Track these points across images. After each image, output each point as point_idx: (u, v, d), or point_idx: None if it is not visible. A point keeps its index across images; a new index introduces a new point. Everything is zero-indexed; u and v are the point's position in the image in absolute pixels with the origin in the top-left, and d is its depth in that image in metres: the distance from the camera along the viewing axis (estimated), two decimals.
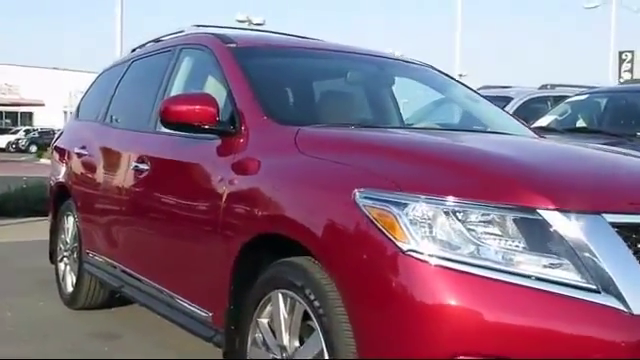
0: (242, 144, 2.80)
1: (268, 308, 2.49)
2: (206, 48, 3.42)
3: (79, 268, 4.42)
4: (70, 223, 4.66)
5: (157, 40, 4.48)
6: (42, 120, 49.83)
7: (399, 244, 1.98)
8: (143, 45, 4.64)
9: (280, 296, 2.40)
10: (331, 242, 2.17)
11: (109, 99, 4.47)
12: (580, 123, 7.35)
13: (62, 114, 53.33)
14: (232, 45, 3.32)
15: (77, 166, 4.48)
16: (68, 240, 4.67)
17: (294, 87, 3.36)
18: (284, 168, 2.52)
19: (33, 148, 37.25)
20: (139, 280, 3.49)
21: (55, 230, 4.96)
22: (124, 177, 3.66)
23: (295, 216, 2.33)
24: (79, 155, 4.44)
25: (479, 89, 7.08)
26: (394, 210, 2.01)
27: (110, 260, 3.86)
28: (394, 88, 3.67)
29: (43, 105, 41.96)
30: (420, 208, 2.01)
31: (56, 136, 5.36)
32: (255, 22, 31.39)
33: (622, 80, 25.60)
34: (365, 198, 2.09)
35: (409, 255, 1.96)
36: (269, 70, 3.30)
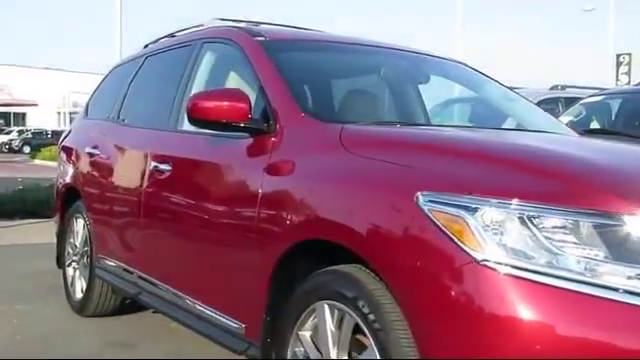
0: (277, 143, 2.61)
1: (311, 320, 2.30)
2: (232, 42, 3.23)
3: (90, 273, 4.22)
4: (79, 226, 4.45)
5: (172, 35, 4.28)
6: (35, 121, 49.42)
7: (471, 252, 1.79)
8: (157, 40, 4.44)
9: (326, 308, 2.21)
10: (390, 249, 1.98)
11: (122, 97, 4.27)
12: (594, 125, 7.23)
13: (56, 115, 53.02)
14: (261, 38, 3.14)
15: (88, 167, 4.27)
16: (77, 244, 4.47)
17: (329, 82, 3.18)
18: (329, 169, 2.33)
19: (26, 149, 36.93)
20: (159, 287, 3.29)
21: (62, 233, 4.75)
22: (142, 178, 3.46)
23: (346, 221, 2.14)
24: (90, 155, 4.23)
25: None
26: (465, 215, 1.83)
27: (126, 265, 3.66)
28: (429, 85, 3.49)
29: (36, 105, 41.55)
30: (493, 213, 1.82)
31: (63, 136, 5.15)
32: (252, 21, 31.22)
33: (620, 83, 25.57)
34: (430, 202, 1.90)
35: (482, 264, 1.77)
36: (302, 65, 3.11)
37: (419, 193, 1.93)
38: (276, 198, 2.48)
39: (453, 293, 1.81)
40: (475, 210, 1.83)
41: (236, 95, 2.74)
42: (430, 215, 1.88)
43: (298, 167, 2.46)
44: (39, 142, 36.38)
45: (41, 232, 8.26)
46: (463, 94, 3.64)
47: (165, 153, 3.33)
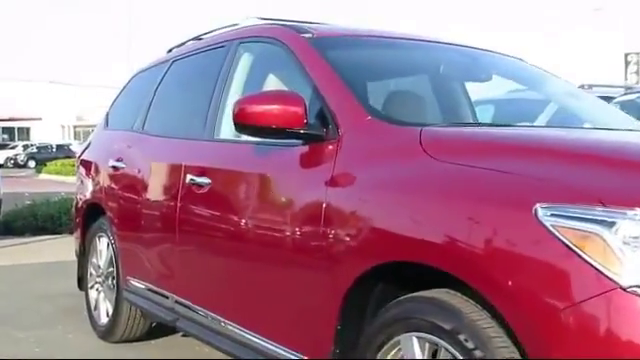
0: (339, 151, 2.29)
1: (393, 354, 1.98)
2: (275, 40, 2.93)
3: (117, 296, 3.90)
4: (103, 245, 4.14)
5: (198, 38, 3.98)
6: (39, 135, 49.21)
7: (614, 277, 1.48)
8: (182, 44, 4.14)
9: (415, 341, 1.89)
10: (504, 274, 1.65)
11: (147, 105, 3.96)
12: None
13: (60, 129, 52.79)
14: (309, 36, 2.83)
15: (112, 181, 3.96)
16: (101, 264, 4.15)
17: (390, 81, 2.87)
18: (413, 179, 2.00)
19: (32, 163, 36.62)
20: (200, 313, 2.97)
21: (84, 253, 4.44)
22: (176, 193, 3.15)
23: (441, 240, 1.82)
24: (115, 168, 3.92)
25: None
26: (601, 231, 1.51)
27: (160, 289, 3.34)
28: (491, 83, 3.17)
29: (40, 120, 41.31)
30: (632, 227, 1.51)
31: (81, 148, 4.83)
32: None
33: (628, 82, 25.25)
34: (553, 216, 1.58)
35: (631, 292, 1.45)
36: (357, 62, 2.79)
37: (538, 205, 1.61)
38: (345, 214, 2.16)
39: (593, 327, 1.49)
40: (612, 224, 1.51)
41: (290, 98, 2.43)
42: (555, 232, 1.57)
43: (370, 178, 2.14)
44: (44, 156, 36.13)
45: (54, 249, 7.98)
46: (527, 92, 3.31)
47: (203, 165, 3.02)
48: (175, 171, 3.25)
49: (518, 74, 3.29)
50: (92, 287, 4.28)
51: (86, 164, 4.53)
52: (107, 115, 4.63)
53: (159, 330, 4.04)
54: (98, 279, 4.19)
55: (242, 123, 2.47)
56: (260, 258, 2.57)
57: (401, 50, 3.02)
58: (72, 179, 24.02)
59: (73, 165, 29.31)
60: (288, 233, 2.40)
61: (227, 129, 3.13)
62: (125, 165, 3.81)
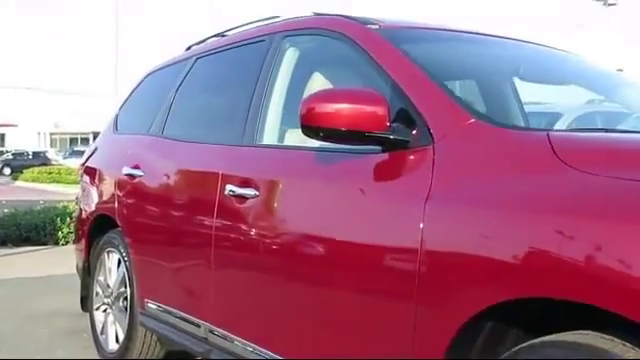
0: (437, 160, 1.91)
1: None
2: (334, 33, 2.55)
3: (130, 320, 3.47)
4: (113, 262, 3.71)
5: (221, 35, 3.60)
6: (15, 142, 48.21)
7: None
8: (203, 41, 3.75)
9: None
10: None
11: (166, 106, 3.55)
12: None
13: (36, 135, 51.80)
14: (375, 27, 2.46)
15: (128, 191, 3.52)
16: (111, 284, 3.72)
17: (475, 81, 2.50)
18: (553, 194, 1.61)
19: (7, 170, 35.72)
20: (241, 346, 2.56)
21: (88, 270, 4.00)
22: (212, 205, 2.74)
23: (602, 270, 1.44)
24: (130, 177, 3.49)
25: None
26: None
27: (189, 315, 2.92)
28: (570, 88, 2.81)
29: (16, 126, 40.47)
30: None
31: (86, 155, 4.38)
32: None
33: None
34: None
35: None
36: (438, 58, 2.41)
37: None
38: (453, 239, 1.77)
39: None
40: None
41: (369, 96, 2.06)
42: None
43: (487, 193, 1.75)
44: (20, 163, 35.26)
45: (41, 262, 7.49)
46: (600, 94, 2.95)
47: (246, 174, 2.62)
48: (209, 181, 2.84)
49: (598, 81, 2.93)
50: (98, 308, 3.85)
51: (92, 172, 4.10)
52: (116, 118, 4.20)
53: (175, 358, 3.63)
54: (106, 300, 3.75)
55: (310, 125, 2.09)
56: (328, 287, 2.17)
57: (478, 46, 2.66)
58: (49, 187, 23.48)
59: (50, 172, 28.80)
60: (372, 258, 2.00)
61: (271, 133, 2.75)
62: (144, 173, 3.39)
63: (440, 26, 2.74)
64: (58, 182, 26.65)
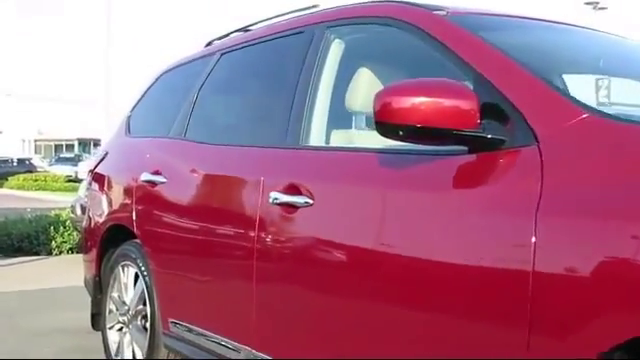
0: (545, 162, 1.63)
1: None
2: (394, 21, 2.27)
3: (151, 341, 3.16)
4: (130, 277, 3.39)
5: (245, 29, 3.31)
6: None
7: None
8: (225, 36, 3.45)
9: None
10: None
11: (188, 107, 3.24)
12: None
13: (20, 142, 51.09)
14: (444, 13, 2.18)
15: (148, 199, 3.21)
16: (127, 300, 3.40)
17: (565, 72, 2.22)
18: None
19: None
20: None
21: (99, 285, 3.68)
22: (254, 215, 2.44)
23: None
24: (151, 184, 3.18)
25: None
26: None
27: (225, 339, 2.61)
28: None
29: (0, 133, 39.87)
30: None
31: (95, 160, 4.06)
32: None
33: None
34: None
35: None
36: (522, 47, 2.13)
37: None
38: (581, 257, 1.49)
39: None
40: None
41: (457, 89, 1.78)
42: None
43: (616, 200, 1.47)
44: (4, 170, 34.56)
45: (36, 274, 7.14)
46: None
47: (295, 180, 2.32)
48: (247, 187, 2.55)
49: None
50: (112, 327, 3.52)
51: (103, 178, 3.78)
52: (128, 120, 3.88)
53: None
54: (122, 318, 3.43)
55: (387, 122, 1.81)
56: (401, 310, 1.88)
57: (556, 35, 2.39)
58: (35, 194, 22.98)
59: (36, 180, 28.31)
60: (456, 283, 1.72)
61: (319, 134, 2.47)
62: (167, 179, 3.08)
63: (503, 12, 2.47)
64: (44, 189, 26.22)
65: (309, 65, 2.53)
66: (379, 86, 2.50)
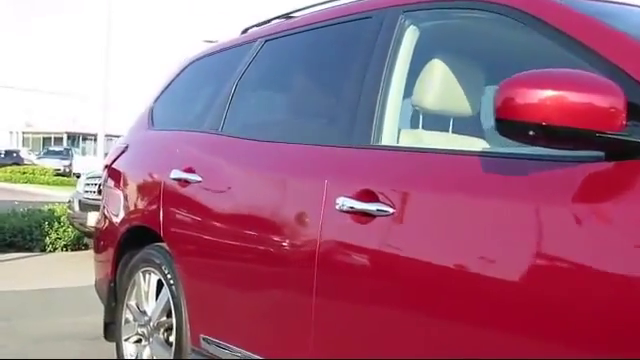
0: None
1: None
2: (487, 4, 1.97)
3: (176, 357, 2.82)
4: (151, 284, 3.06)
5: (287, 16, 2.99)
6: None
7: None
8: (263, 23, 3.14)
9: None
10: None
11: (226, 98, 2.91)
12: None
13: (7, 134, 50.32)
14: None
15: (179, 199, 2.86)
16: (147, 310, 3.07)
17: None
18: None
19: None
20: None
21: (114, 291, 3.34)
22: (315, 222, 2.13)
23: None
24: (182, 182, 2.85)
25: None
26: None
27: None
28: None
29: None
30: None
31: (112, 154, 3.70)
32: None
33: None
34: None
35: None
36: None
37: None
38: None
39: None
40: None
41: (599, 83, 1.48)
42: None
43: None
44: None
45: (31, 272, 6.78)
46: None
47: (371, 185, 2.00)
48: (308, 191, 2.24)
49: None
50: (129, 339, 3.19)
51: (122, 174, 3.44)
52: (151, 112, 3.54)
53: None
54: (140, 330, 3.09)
55: (512, 121, 1.50)
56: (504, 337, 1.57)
57: None
58: (23, 187, 22.46)
59: (24, 172, 27.72)
60: (590, 314, 1.42)
61: (392, 133, 2.17)
62: (202, 178, 2.75)
63: None
64: (32, 182, 25.69)
65: (379, 55, 2.23)
66: (467, 82, 2.21)
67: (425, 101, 2.25)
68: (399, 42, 2.22)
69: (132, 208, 3.25)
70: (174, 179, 2.89)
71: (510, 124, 1.51)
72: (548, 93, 1.47)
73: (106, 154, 15.20)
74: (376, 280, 1.94)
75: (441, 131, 2.38)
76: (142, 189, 3.22)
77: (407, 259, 1.87)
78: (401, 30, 2.23)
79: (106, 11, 13.22)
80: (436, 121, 2.37)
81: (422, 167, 1.96)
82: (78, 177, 22.85)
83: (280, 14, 3.10)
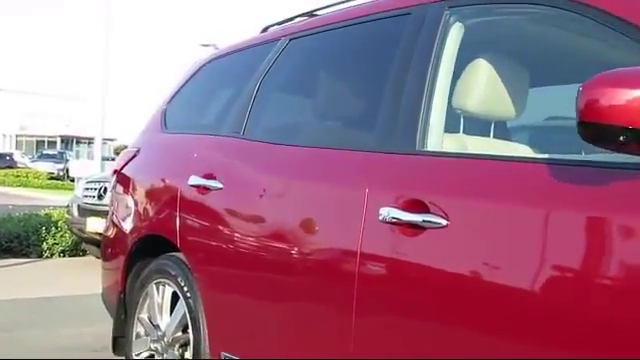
0: None
1: None
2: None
3: None
4: (166, 297, 2.89)
5: (311, 14, 2.83)
6: None
7: None
8: (285, 21, 2.97)
9: None
10: None
11: (247, 99, 2.74)
12: None
13: (1, 137, 49.94)
14: None
15: (198, 207, 2.69)
16: (161, 325, 2.89)
17: None
18: None
19: None
20: None
21: (123, 303, 3.16)
22: (354, 234, 1.96)
23: None
24: (202, 189, 2.67)
25: None
26: None
27: None
28: None
29: None
30: None
31: (121, 159, 3.51)
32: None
33: None
34: None
35: None
36: None
37: None
38: None
39: None
40: None
41: None
42: None
43: None
44: None
45: (28, 279, 6.59)
46: None
47: (423, 195, 1.83)
48: (345, 200, 2.06)
49: None
50: (140, 354, 3.00)
51: (133, 180, 3.26)
52: (163, 114, 3.36)
53: None
54: (154, 345, 2.91)
55: (596, 123, 1.34)
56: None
57: None
58: (17, 191, 22.18)
59: (17, 176, 27.40)
60: None
61: (438, 137, 2.00)
62: (223, 185, 2.58)
63: None
64: (25, 186, 25.42)
65: (422, 55, 2.06)
66: (512, 83, 2.06)
67: (469, 104, 2.10)
68: (443, 40, 2.06)
69: (144, 216, 3.07)
70: (192, 185, 2.72)
71: (595, 128, 1.35)
72: (637, 93, 1.31)
73: (104, 158, 14.95)
74: (429, 299, 1.77)
75: (481, 135, 2.23)
76: (156, 196, 3.04)
77: (465, 277, 1.70)
78: (446, 27, 2.07)
79: (104, 13, 13.02)
80: (475, 125, 2.21)
81: (480, 175, 1.79)
82: (72, 181, 22.66)
83: (302, 12, 2.94)
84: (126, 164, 3.37)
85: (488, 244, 1.68)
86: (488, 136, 2.26)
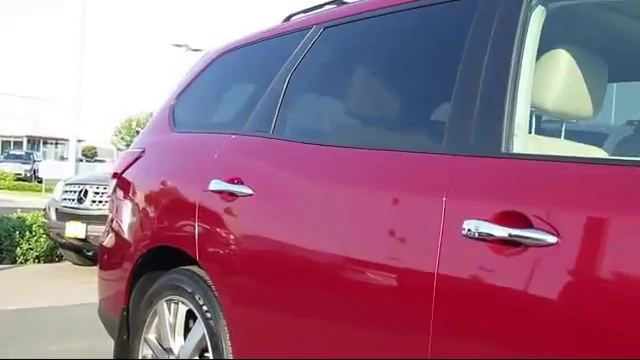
0: None
1: None
2: None
3: None
4: (179, 317, 2.56)
5: (340, 2, 2.53)
6: None
7: None
8: (313, 9, 2.67)
9: None
10: None
11: (276, 95, 2.43)
12: None
13: None
14: None
15: (222, 216, 2.36)
16: (174, 347, 2.56)
17: None
18: None
19: None
20: None
21: (126, 322, 2.82)
22: (430, 252, 1.66)
23: None
24: (227, 195, 2.34)
25: None
26: None
27: None
28: None
29: None
30: None
31: (123, 161, 3.15)
32: (193, 48, 29.23)
33: None
34: None
35: None
36: None
37: None
38: None
39: None
40: None
41: None
42: None
43: None
44: None
45: (5, 288, 6.15)
46: None
47: (523, 207, 1.55)
48: (421, 211, 1.77)
49: None
50: None
51: (137, 185, 2.92)
52: (172, 112, 3.02)
53: None
54: None
55: None
56: None
57: None
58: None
59: None
60: None
61: (523, 138, 1.73)
62: (254, 191, 2.26)
63: None
64: None
65: (501, 44, 1.78)
66: (600, 79, 1.81)
67: (547, 101, 1.84)
68: (525, 26, 1.78)
69: (153, 224, 2.74)
70: (214, 191, 2.40)
71: None
72: None
73: (80, 159, 14.47)
74: (533, 334, 1.48)
75: (553, 136, 1.98)
76: (167, 202, 2.71)
77: (584, 305, 1.41)
78: (527, 11, 1.79)
79: (79, 14, 12.58)
80: (548, 124, 1.95)
81: (584, 182, 1.51)
82: (40, 182, 21.96)
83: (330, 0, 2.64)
84: (129, 167, 3.02)
85: (606, 264, 1.40)
86: (559, 137, 2.00)
